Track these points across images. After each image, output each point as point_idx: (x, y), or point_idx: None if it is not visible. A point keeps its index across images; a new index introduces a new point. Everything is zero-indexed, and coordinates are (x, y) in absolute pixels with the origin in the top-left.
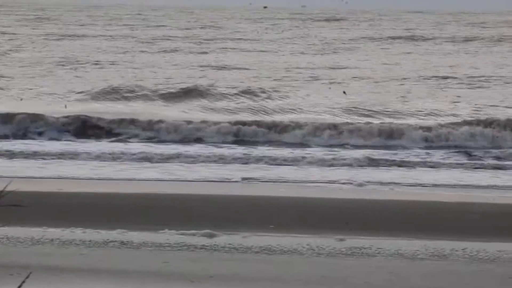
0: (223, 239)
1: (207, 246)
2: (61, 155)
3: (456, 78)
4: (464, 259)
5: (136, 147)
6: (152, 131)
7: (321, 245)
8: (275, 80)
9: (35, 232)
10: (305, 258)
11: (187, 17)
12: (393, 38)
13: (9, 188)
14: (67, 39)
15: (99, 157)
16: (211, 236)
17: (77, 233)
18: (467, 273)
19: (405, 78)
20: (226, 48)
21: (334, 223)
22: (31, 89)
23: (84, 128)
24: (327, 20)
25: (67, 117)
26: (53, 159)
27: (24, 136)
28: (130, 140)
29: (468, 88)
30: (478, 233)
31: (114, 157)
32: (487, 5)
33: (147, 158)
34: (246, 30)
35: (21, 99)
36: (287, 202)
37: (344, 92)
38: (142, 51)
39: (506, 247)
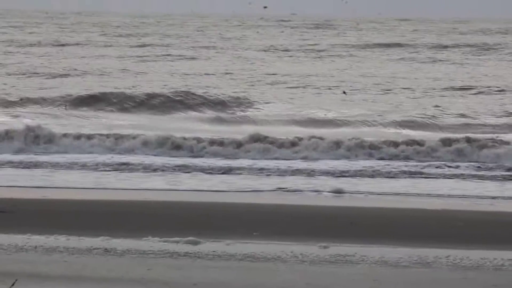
0: (207, 246)
1: (190, 253)
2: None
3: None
4: (448, 266)
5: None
6: None
7: (304, 253)
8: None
9: (19, 239)
10: (289, 265)
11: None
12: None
13: None
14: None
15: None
16: (194, 243)
17: (61, 240)
18: (451, 280)
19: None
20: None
21: (318, 230)
22: None
23: None
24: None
25: None
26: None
27: None
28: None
29: None
30: (462, 241)
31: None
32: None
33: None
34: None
35: None
36: (270, 210)
37: (344, 92)
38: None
39: (489, 255)
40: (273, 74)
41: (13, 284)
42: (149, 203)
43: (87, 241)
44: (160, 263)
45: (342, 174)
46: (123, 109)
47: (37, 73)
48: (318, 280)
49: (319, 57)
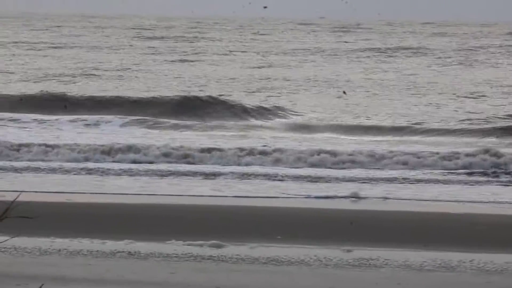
0: (230, 249)
1: (214, 256)
2: None
3: None
4: (472, 270)
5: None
6: None
7: (328, 256)
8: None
9: (43, 242)
10: (312, 269)
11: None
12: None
13: (18, 200)
14: None
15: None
16: (218, 246)
17: (85, 243)
18: (475, 285)
19: None
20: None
21: (341, 234)
22: None
23: None
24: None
25: None
26: None
27: None
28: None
29: None
30: (486, 245)
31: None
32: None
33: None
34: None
35: None
36: (294, 213)
37: (344, 92)
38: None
39: None
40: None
41: None
42: (173, 206)
43: (110, 245)
44: (184, 266)
45: (363, 180)
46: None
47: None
48: (341, 283)
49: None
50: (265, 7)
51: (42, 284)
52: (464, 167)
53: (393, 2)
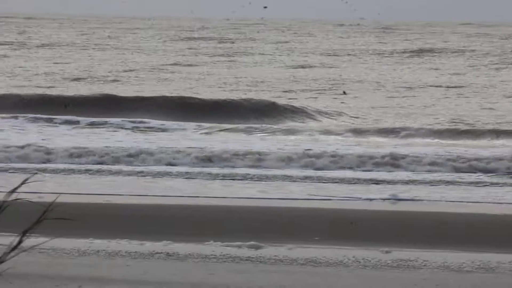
0: (269, 251)
1: (252, 258)
2: None
3: None
4: (511, 272)
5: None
6: None
7: (366, 257)
8: None
9: (82, 243)
10: (350, 270)
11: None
12: None
13: (57, 202)
14: None
15: None
16: (256, 248)
17: (123, 244)
18: None
19: None
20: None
21: (379, 235)
22: None
23: None
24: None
25: None
26: None
27: None
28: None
29: None
30: None
31: None
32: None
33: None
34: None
35: None
36: (332, 214)
37: (344, 92)
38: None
39: None
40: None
41: None
42: (210, 207)
43: (149, 246)
44: (222, 267)
45: (404, 182)
46: None
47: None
48: (380, 285)
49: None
50: (265, 7)
51: (80, 286)
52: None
53: (393, 2)
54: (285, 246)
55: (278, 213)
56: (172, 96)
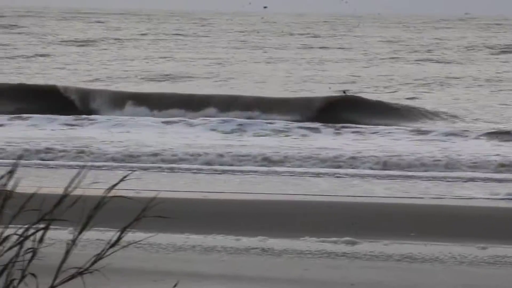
0: (364, 246)
1: (348, 253)
2: None
3: None
4: None
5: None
6: None
7: (463, 254)
8: None
9: (178, 238)
10: (446, 266)
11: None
12: None
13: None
14: None
15: None
16: (352, 243)
17: (219, 239)
18: None
19: None
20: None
21: (476, 231)
22: None
23: None
24: None
25: None
26: None
27: None
28: None
29: None
30: None
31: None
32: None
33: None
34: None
35: None
36: (428, 210)
37: (344, 92)
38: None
39: None
40: None
41: (175, 285)
42: (306, 203)
43: (244, 241)
44: (317, 263)
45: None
46: None
47: None
48: (476, 281)
49: None
50: (265, 7)
51: (177, 282)
52: None
53: (393, 2)
54: (381, 242)
55: (374, 209)
56: None
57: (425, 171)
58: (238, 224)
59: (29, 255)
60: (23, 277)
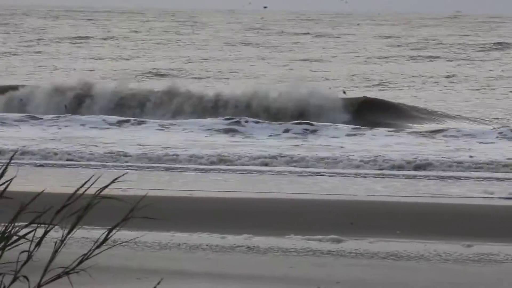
0: (349, 244)
1: (333, 251)
2: None
3: None
4: None
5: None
6: None
7: (448, 251)
8: None
9: (163, 236)
10: (432, 264)
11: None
12: None
13: (142, 200)
14: None
15: None
16: (337, 241)
17: (204, 238)
18: None
19: None
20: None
21: (461, 229)
22: None
23: None
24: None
25: None
26: None
27: None
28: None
29: None
30: None
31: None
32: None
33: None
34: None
35: None
36: (413, 208)
37: (344, 92)
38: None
39: None
40: None
41: (158, 283)
42: (291, 201)
43: (230, 239)
44: (303, 261)
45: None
46: None
47: None
48: (461, 279)
49: None
50: (265, 7)
51: (161, 279)
52: None
53: (393, 2)
54: (366, 240)
55: (359, 207)
56: None
57: (411, 170)
58: (223, 222)
59: (22, 256)
60: (15, 279)
